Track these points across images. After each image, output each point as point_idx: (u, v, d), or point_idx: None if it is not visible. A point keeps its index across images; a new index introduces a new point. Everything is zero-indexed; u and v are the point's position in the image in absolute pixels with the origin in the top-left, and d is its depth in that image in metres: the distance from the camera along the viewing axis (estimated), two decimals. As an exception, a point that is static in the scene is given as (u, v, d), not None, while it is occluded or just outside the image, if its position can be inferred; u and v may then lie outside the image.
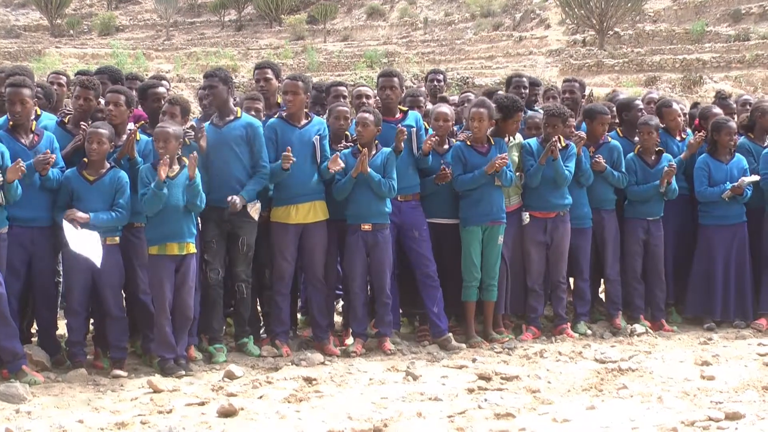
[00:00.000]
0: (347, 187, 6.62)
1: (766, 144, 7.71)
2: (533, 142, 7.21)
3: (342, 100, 7.38)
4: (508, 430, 4.77)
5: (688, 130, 7.97)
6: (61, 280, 6.53)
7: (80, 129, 6.21)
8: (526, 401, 5.32)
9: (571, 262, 7.36)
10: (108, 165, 6.10)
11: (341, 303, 7.53)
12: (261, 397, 5.43)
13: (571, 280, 7.71)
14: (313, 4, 40.30)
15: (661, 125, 7.66)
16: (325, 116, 7.21)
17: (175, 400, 5.35)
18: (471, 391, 5.58)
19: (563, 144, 7.03)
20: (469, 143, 6.94)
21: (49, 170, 5.87)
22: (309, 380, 5.78)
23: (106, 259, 5.92)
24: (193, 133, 6.29)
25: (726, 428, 4.72)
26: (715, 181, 7.50)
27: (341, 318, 7.42)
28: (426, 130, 7.06)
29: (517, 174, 7.11)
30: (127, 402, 5.33)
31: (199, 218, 6.38)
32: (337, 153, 6.61)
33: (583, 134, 7.34)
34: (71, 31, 39.04)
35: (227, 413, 5.01)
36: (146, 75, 12.20)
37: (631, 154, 7.54)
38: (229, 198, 6.28)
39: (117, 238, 6.11)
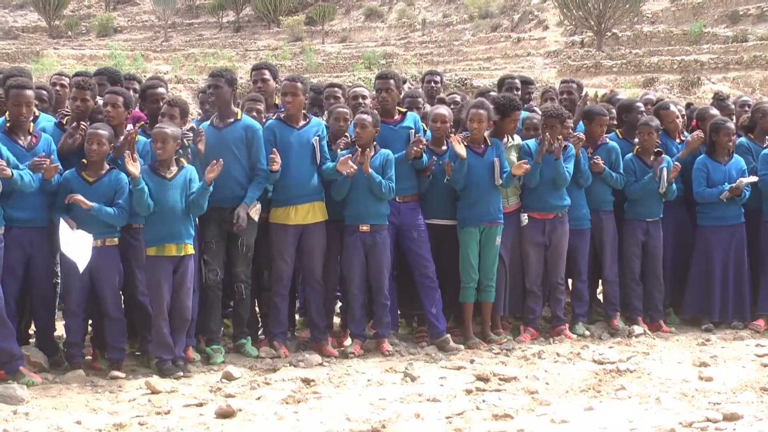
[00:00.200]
0: (345, 185, 6.61)
1: (765, 145, 7.72)
2: (531, 143, 7.21)
3: (334, 101, 7.38)
4: (506, 431, 4.77)
5: (686, 133, 7.98)
6: (58, 281, 6.54)
7: (79, 129, 6.20)
8: (524, 402, 5.32)
9: (569, 264, 7.36)
10: (107, 166, 6.10)
11: (339, 304, 7.53)
12: (259, 398, 5.43)
13: (570, 281, 7.71)
14: (312, 6, 40.32)
15: (660, 127, 7.67)
16: (323, 117, 7.22)
17: (173, 401, 5.35)
18: (469, 392, 5.58)
19: (556, 145, 7.01)
20: (466, 144, 6.94)
21: (54, 176, 5.88)
22: (307, 381, 5.78)
23: (104, 260, 5.94)
24: (192, 135, 6.30)
25: (724, 429, 4.73)
26: (713, 182, 7.51)
27: (339, 319, 7.42)
28: (425, 131, 7.07)
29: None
30: (125, 403, 5.32)
31: (197, 219, 6.38)
32: (348, 155, 6.55)
33: (582, 135, 7.34)
34: (69, 33, 39.02)
35: (225, 414, 5.01)
36: (144, 76, 12.19)
37: (630, 154, 7.55)
38: (234, 215, 6.31)
39: (116, 239, 6.11)
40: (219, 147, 6.40)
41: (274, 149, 6.46)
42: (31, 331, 6.49)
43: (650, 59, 27.37)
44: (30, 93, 5.93)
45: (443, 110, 7.07)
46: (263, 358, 6.44)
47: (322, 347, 6.64)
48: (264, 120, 6.83)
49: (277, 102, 7.30)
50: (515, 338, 7.10)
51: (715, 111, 7.96)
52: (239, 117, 6.55)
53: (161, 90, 6.80)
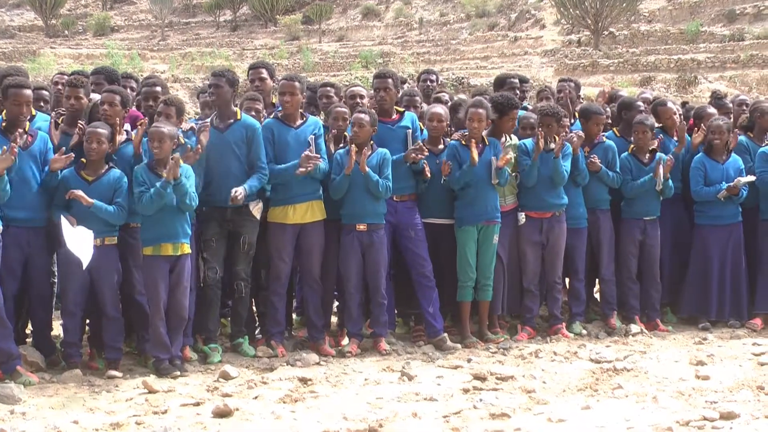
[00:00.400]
0: (343, 184, 6.61)
1: (764, 143, 7.72)
2: (529, 142, 7.21)
3: (326, 100, 7.36)
4: (503, 430, 4.77)
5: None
6: (56, 280, 6.53)
7: (77, 128, 6.19)
8: (521, 401, 5.32)
9: (566, 263, 7.36)
10: (106, 165, 6.10)
11: (336, 303, 7.52)
12: (256, 397, 5.42)
13: (567, 280, 7.71)
14: (308, 5, 40.35)
15: (658, 125, 7.68)
16: (321, 117, 7.21)
17: (170, 400, 5.34)
18: (466, 391, 5.58)
19: (558, 143, 7.01)
20: (464, 142, 6.94)
21: (61, 167, 5.91)
22: (304, 380, 5.77)
23: (104, 259, 5.94)
24: (196, 128, 6.30)
25: (721, 428, 4.73)
26: (711, 180, 7.51)
27: (336, 318, 7.42)
28: (422, 130, 7.06)
29: (513, 174, 7.12)
30: (122, 402, 5.32)
31: (195, 218, 6.38)
32: (353, 157, 6.54)
33: (581, 133, 7.34)
34: (66, 32, 39.01)
35: (222, 414, 5.01)
36: (141, 75, 12.18)
37: (626, 153, 7.55)
38: (233, 191, 6.23)
39: (115, 238, 6.11)
40: (220, 147, 6.40)
41: (311, 148, 6.45)
42: (28, 331, 6.48)
43: (647, 58, 27.41)
44: (29, 92, 5.93)
45: (440, 109, 7.06)
46: (260, 358, 6.43)
47: (320, 346, 6.64)
48: (262, 119, 6.83)
49: (274, 101, 7.29)
50: (512, 337, 7.10)
51: (712, 110, 7.96)
52: (239, 117, 6.55)
53: (158, 88, 6.80)
